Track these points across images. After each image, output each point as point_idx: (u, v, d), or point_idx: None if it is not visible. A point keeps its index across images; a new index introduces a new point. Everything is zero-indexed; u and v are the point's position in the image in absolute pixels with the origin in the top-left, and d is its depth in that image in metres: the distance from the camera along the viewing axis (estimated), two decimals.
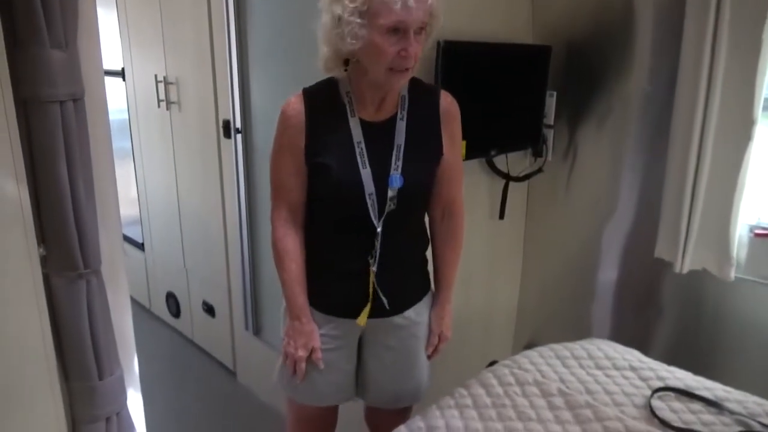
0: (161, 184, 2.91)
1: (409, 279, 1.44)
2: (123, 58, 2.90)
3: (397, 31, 1.14)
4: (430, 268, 1.51)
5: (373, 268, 1.32)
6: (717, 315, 1.99)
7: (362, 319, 1.36)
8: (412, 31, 1.15)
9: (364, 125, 1.28)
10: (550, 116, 2.20)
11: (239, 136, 2.32)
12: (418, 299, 1.45)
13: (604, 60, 2.11)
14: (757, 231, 1.85)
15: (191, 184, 2.71)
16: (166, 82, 2.62)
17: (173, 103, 2.63)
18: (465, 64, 1.81)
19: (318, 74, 1.31)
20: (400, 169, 1.28)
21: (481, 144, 1.94)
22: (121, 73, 2.95)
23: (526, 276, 2.50)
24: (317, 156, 1.27)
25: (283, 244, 1.35)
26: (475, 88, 1.85)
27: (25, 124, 1.13)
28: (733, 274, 1.83)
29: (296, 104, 1.28)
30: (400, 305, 1.40)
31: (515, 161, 2.21)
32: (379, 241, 1.30)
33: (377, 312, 1.37)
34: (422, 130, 1.32)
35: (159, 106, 2.69)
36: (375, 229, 1.29)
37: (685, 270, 1.89)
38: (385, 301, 1.35)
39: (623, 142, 2.10)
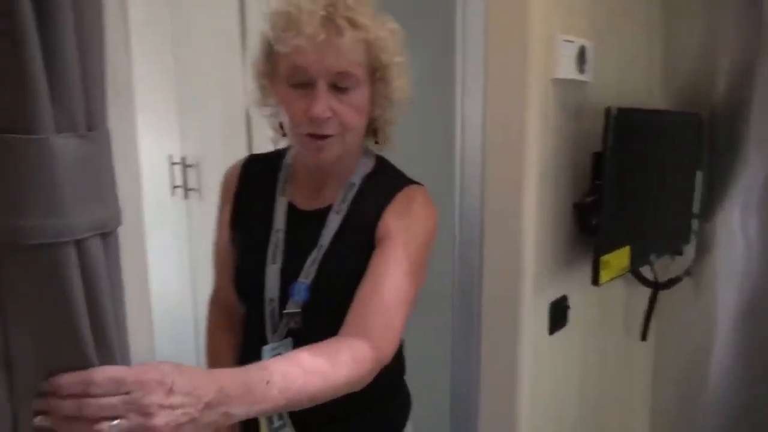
0: (173, 291, 2.31)
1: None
2: None
3: (302, 83, 0.86)
4: None
5: None
6: None
7: None
8: (322, 83, 0.85)
9: (292, 211, 0.98)
10: (696, 202, 1.71)
11: None
12: None
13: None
14: None
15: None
16: (184, 165, 2.09)
17: (192, 189, 2.10)
18: (635, 138, 1.31)
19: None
20: (311, 278, 0.92)
21: (644, 247, 1.42)
22: None
23: (658, 402, 1.94)
24: (235, 235, 1.03)
25: (211, 341, 1.11)
26: (642, 168, 1.35)
27: None
28: None
29: (234, 170, 1.06)
30: None
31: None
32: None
33: None
34: (359, 234, 0.93)
35: (173, 193, 2.15)
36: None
37: None
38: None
39: None
